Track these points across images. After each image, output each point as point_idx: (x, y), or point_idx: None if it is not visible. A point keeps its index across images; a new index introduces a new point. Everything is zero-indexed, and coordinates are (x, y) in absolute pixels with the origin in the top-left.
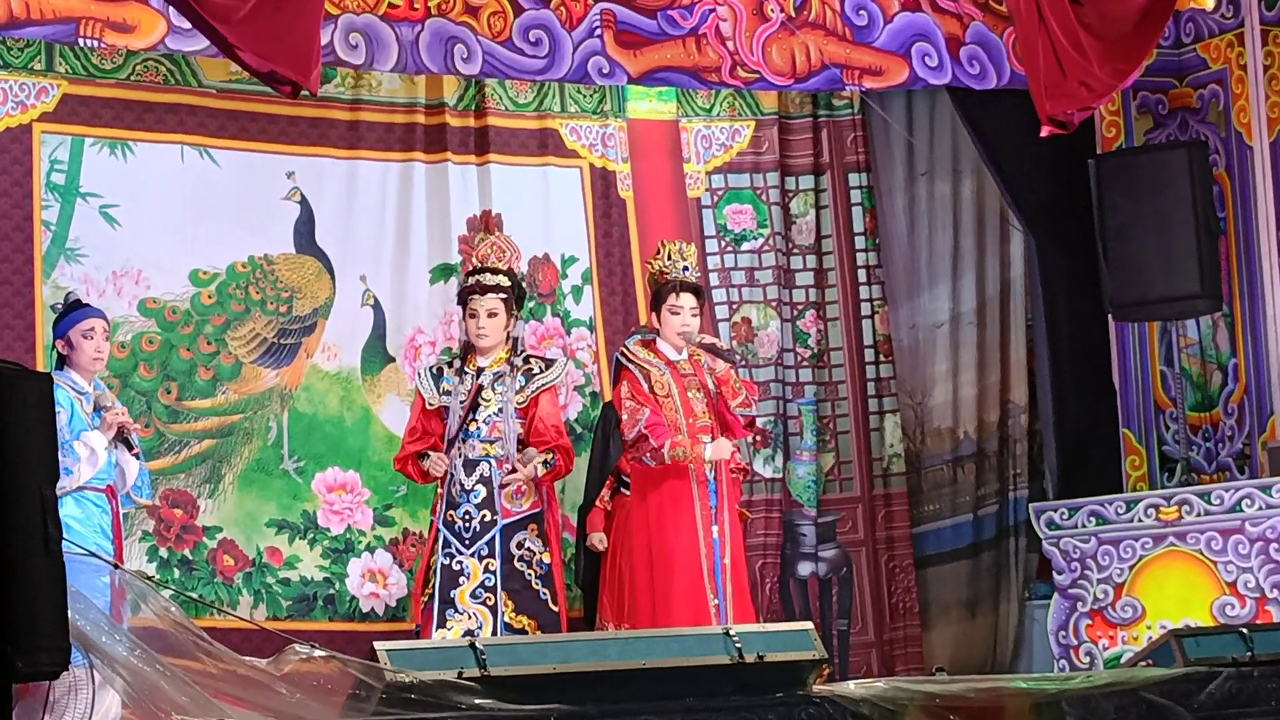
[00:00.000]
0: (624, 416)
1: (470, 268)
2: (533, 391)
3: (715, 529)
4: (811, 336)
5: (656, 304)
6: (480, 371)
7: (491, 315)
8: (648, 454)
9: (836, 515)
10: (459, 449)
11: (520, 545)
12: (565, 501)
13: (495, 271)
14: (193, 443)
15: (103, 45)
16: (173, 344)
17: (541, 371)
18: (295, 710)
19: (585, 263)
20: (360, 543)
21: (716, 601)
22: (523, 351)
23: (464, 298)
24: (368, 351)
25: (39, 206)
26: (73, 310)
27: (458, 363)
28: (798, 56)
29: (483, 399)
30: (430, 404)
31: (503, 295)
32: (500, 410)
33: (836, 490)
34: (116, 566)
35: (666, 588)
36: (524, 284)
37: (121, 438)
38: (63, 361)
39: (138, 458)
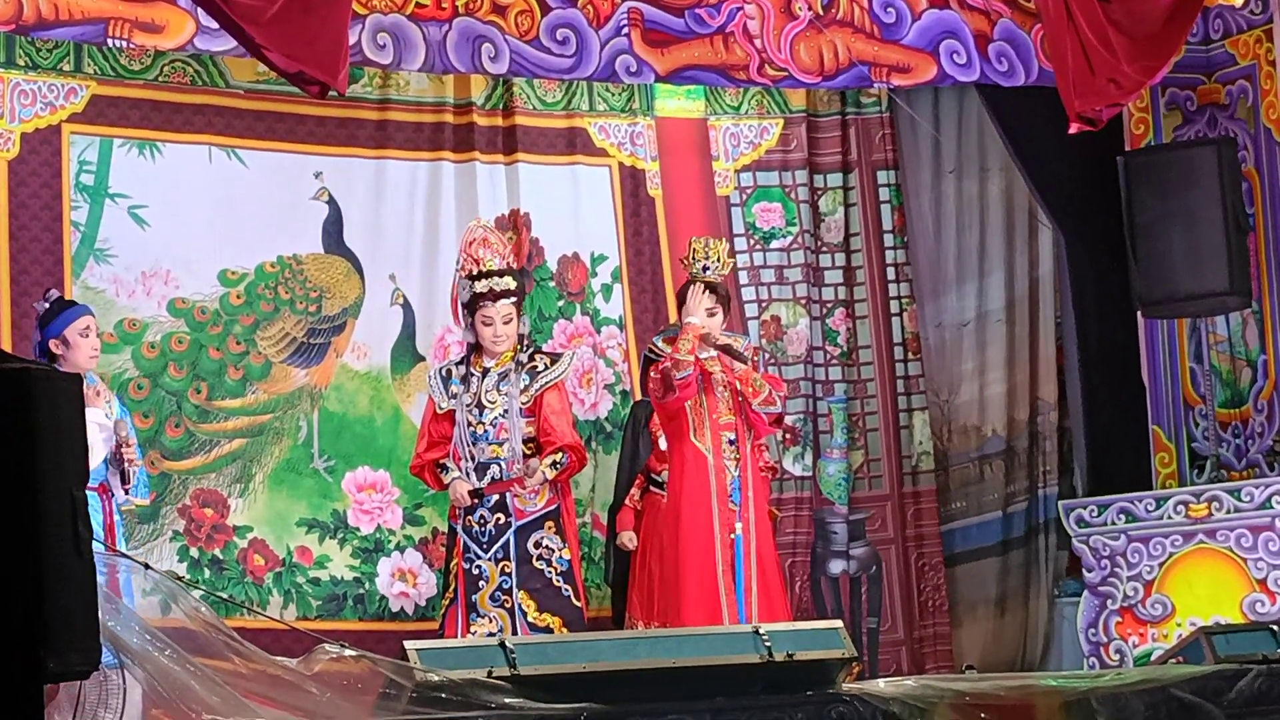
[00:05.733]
0: (668, 363)
1: (468, 270)
2: (537, 390)
3: (739, 525)
4: (841, 334)
5: (680, 303)
6: (486, 373)
7: (507, 321)
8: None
9: (867, 513)
10: (469, 452)
11: (538, 545)
12: (595, 500)
13: (501, 274)
14: (223, 442)
15: (131, 46)
16: (202, 344)
17: (546, 368)
18: (326, 710)
19: (615, 261)
20: (390, 542)
21: (735, 599)
22: (529, 348)
23: (474, 305)
24: (397, 351)
25: (68, 207)
26: (65, 309)
27: (463, 366)
28: (825, 54)
29: (488, 401)
30: (441, 408)
31: (514, 300)
32: (506, 411)
33: (866, 488)
34: (147, 567)
35: (677, 585)
36: (522, 276)
37: (119, 467)
38: (52, 360)
39: (133, 471)
